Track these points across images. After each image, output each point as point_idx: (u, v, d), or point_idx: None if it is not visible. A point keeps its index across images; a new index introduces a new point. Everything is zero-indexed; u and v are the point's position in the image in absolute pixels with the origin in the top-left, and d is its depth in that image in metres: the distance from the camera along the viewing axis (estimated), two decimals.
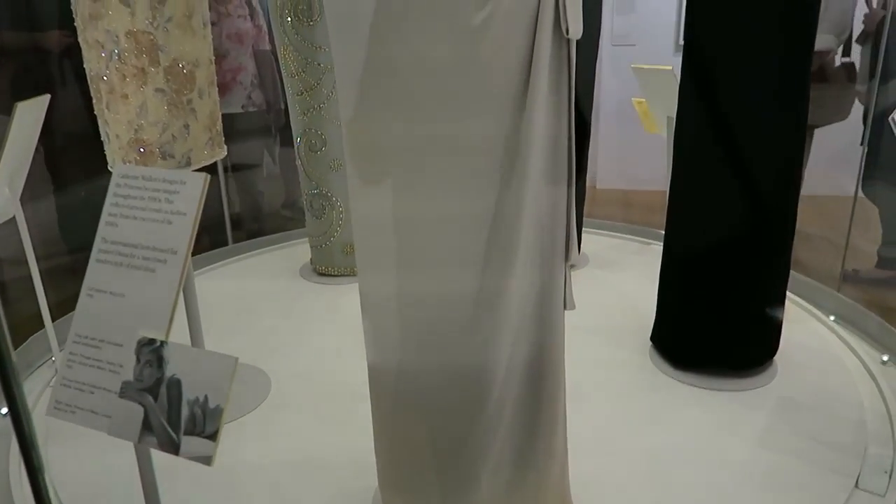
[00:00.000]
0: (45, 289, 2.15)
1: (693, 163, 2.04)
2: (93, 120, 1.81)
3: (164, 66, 1.66)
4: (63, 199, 3.12)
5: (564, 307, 1.38)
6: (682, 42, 2.28)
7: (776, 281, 2.10)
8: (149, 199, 1.13)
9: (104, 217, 1.16)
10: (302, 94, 2.87)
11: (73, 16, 1.70)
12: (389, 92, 1.20)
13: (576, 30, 1.22)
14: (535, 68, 1.18)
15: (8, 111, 1.93)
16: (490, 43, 1.15)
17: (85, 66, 1.73)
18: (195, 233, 1.07)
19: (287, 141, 3.46)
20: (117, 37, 1.62)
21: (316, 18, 2.75)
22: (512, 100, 1.19)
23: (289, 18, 2.77)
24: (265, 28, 3.64)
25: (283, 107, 3.58)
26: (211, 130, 1.81)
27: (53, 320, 2.25)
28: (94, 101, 1.75)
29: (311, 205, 3.06)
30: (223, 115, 1.96)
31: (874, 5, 3.15)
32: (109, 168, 1.76)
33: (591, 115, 3.07)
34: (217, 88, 1.90)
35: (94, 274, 1.16)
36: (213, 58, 1.86)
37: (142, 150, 1.67)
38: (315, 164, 2.97)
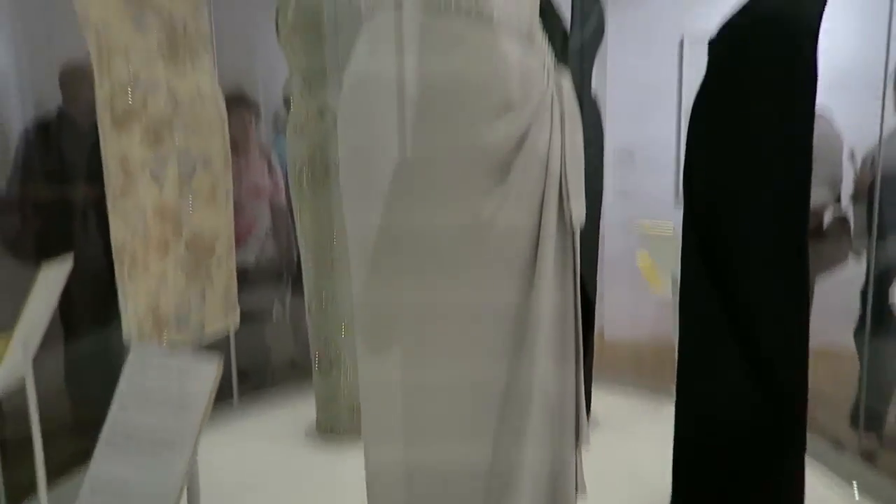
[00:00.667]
0: (44, 445, 2.11)
1: (699, 334, 2.03)
2: (112, 278, 1.85)
3: (187, 239, 1.73)
4: (72, 354, 3.13)
5: (576, 490, 1.35)
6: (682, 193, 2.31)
7: (792, 456, 2.02)
8: (161, 383, 1.14)
9: (116, 399, 1.16)
10: (315, 252, 2.95)
11: (105, 188, 1.80)
12: (401, 261, 1.24)
13: (579, 216, 1.28)
14: (542, 250, 1.23)
15: (29, 258, 1.96)
16: (499, 225, 1.21)
17: (111, 234, 1.81)
18: (206, 419, 1.07)
19: (298, 291, 3.51)
20: (144, 211, 1.70)
21: (332, 181, 2.88)
22: (520, 276, 1.24)
23: (305, 180, 2.90)
24: (282, 184, 3.82)
25: (295, 259, 3.67)
26: (226, 298, 1.86)
27: (50, 482, 2.18)
28: (115, 267, 1.81)
29: (319, 363, 3.04)
30: (237, 267, 2.00)
31: (858, 168, 3.28)
32: (124, 338, 1.79)
33: (595, 295, 3.09)
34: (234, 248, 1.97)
35: (102, 457, 1.15)
36: (233, 227, 1.94)
37: (158, 318, 1.71)
38: (324, 322, 2.99)
